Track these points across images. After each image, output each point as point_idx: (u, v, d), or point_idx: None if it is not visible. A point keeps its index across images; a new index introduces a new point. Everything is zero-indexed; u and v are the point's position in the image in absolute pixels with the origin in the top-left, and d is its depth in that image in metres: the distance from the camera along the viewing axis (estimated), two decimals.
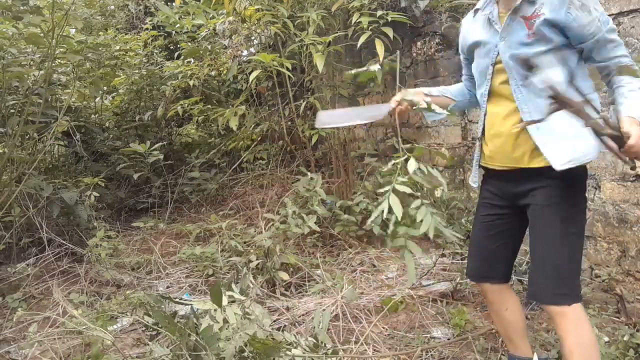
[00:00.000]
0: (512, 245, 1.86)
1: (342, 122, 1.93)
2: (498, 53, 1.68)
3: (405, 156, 1.56)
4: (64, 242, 3.62)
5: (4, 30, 3.49)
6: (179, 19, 5.10)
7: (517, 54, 1.61)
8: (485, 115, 1.77)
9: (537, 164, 1.63)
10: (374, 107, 1.78)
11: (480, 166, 1.86)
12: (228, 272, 3.26)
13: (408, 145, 1.62)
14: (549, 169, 1.59)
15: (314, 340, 2.09)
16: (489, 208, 1.83)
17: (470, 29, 1.83)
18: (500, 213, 1.80)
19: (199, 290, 3.14)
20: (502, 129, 1.68)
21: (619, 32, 2.44)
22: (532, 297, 1.70)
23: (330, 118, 1.93)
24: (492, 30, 1.71)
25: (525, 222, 1.83)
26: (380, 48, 3.36)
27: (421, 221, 1.45)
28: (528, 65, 1.57)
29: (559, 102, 1.36)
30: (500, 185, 1.78)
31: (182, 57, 5.17)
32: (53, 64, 3.75)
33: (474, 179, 1.90)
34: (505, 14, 1.67)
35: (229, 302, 2.14)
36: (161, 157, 4.72)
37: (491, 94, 1.73)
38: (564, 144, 1.56)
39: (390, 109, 1.75)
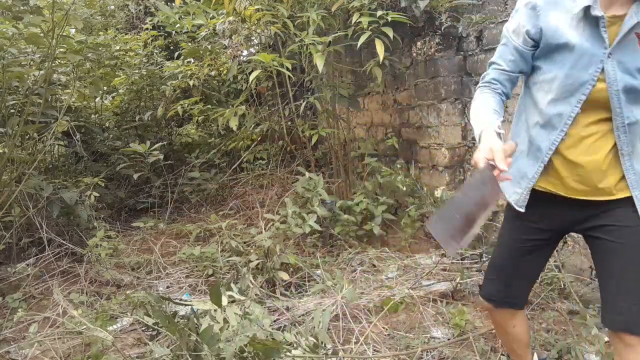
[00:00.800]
0: (541, 270, 1.75)
1: (467, 229, 1.25)
2: (602, 70, 1.35)
3: None
4: (64, 242, 3.62)
5: (4, 30, 3.49)
6: (179, 19, 5.10)
7: (634, 85, 1.34)
8: (562, 138, 1.45)
9: (619, 194, 1.46)
10: (476, 184, 1.29)
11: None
12: (228, 272, 3.26)
13: None
14: (628, 197, 1.45)
15: (314, 341, 2.09)
16: (535, 232, 1.60)
17: (558, 19, 1.39)
18: (546, 238, 1.61)
19: (199, 290, 3.14)
20: (588, 157, 1.43)
21: None
22: (623, 327, 1.46)
23: (448, 225, 1.27)
24: (594, 35, 1.35)
25: None
26: (380, 48, 3.36)
27: None
28: None
29: None
30: (560, 211, 1.55)
31: (182, 57, 5.18)
32: (53, 64, 3.75)
33: (520, 202, 1.55)
34: (614, 21, 1.33)
35: (229, 302, 2.15)
36: (161, 157, 4.72)
37: (576, 116, 1.42)
38: None
39: (493, 175, 1.29)
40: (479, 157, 1.31)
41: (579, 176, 1.45)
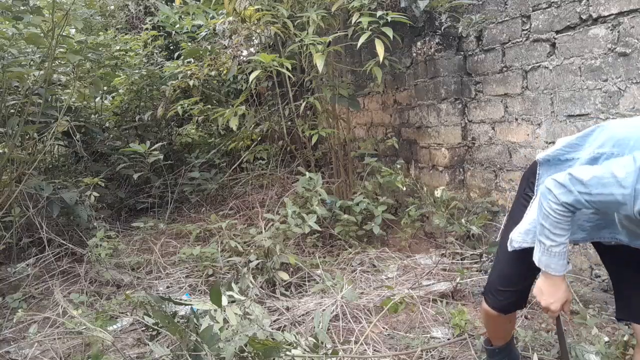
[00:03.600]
0: None
1: None
2: None
3: None
4: (64, 242, 3.62)
5: (4, 30, 3.50)
6: (179, 19, 5.11)
7: None
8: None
9: None
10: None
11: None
12: (228, 272, 3.26)
13: None
14: None
15: (314, 340, 2.09)
16: None
17: None
18: None
19: (199, 290, 3.14)
20: None
21: (618, 32, 2.44)
22: None
23: None
24: None
25: None
26: (380, 48, 3.35)
27: None
28: None
29: None
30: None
31: (182, 57, 5.18)
32: (53, 64, 3.75)
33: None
34: None
35: (228, 302, 2.15)
36: (161, 157, 4.72)
37: None
38: None
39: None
40: (557, 307, 1.53)
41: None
